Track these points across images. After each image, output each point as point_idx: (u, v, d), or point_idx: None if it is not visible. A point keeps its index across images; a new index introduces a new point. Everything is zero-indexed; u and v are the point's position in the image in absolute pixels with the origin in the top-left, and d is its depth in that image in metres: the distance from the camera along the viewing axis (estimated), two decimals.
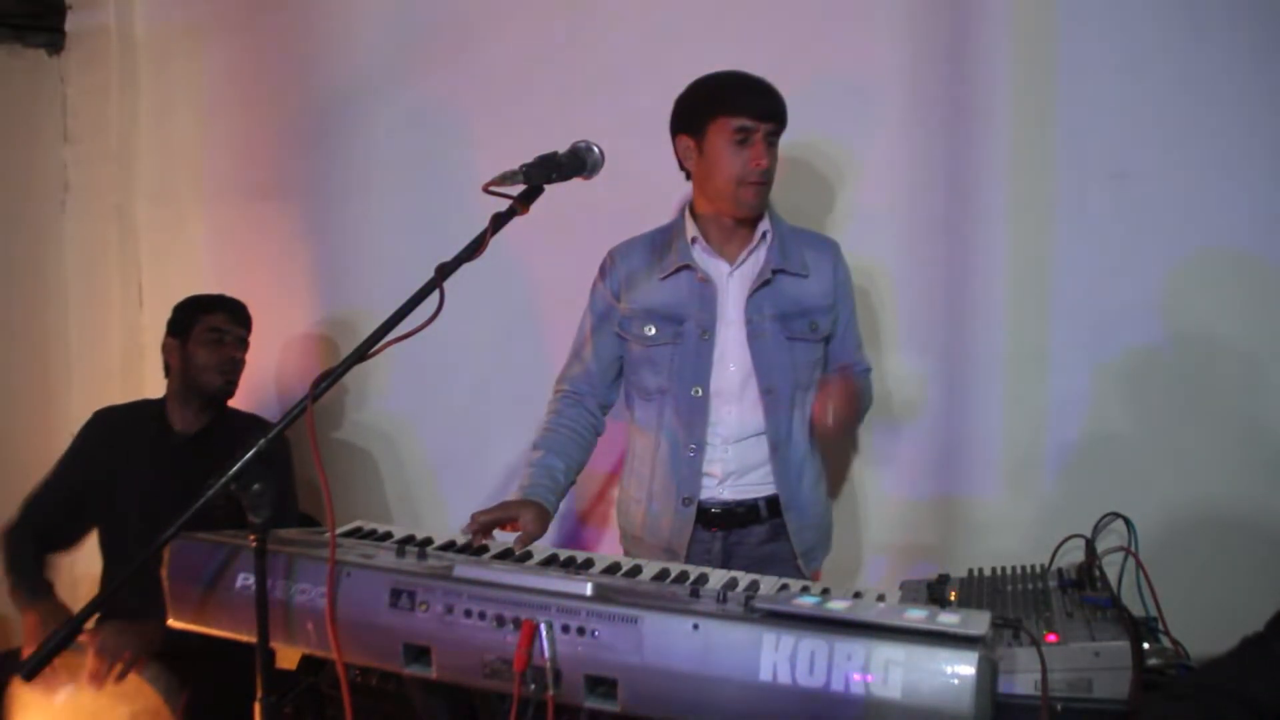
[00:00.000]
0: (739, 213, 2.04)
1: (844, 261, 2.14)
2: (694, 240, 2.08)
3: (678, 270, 2.08)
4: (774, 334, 2.05)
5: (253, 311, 2.64)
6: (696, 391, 2.05)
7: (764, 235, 2.07)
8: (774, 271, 2.05)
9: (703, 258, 2.08)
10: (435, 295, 1.52)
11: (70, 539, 2.48)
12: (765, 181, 2.01)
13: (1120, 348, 2.18)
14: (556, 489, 1.99)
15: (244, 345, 2.61)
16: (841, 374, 2.04)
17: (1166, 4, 2.13)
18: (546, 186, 1.65)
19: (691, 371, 2.06)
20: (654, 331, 2.08)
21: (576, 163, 1.70)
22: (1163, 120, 2.14)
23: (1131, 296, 2.17)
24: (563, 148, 1.70)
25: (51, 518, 2.43)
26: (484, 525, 1.81)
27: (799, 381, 2.07)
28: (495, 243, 1.59)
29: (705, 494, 2.07)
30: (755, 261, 2.08)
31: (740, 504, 2.07)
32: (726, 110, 1.98)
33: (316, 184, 3.09)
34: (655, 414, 2.10)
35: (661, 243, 2.12)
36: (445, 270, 1.54)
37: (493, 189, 1.59)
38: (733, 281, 2.08)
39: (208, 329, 2.54)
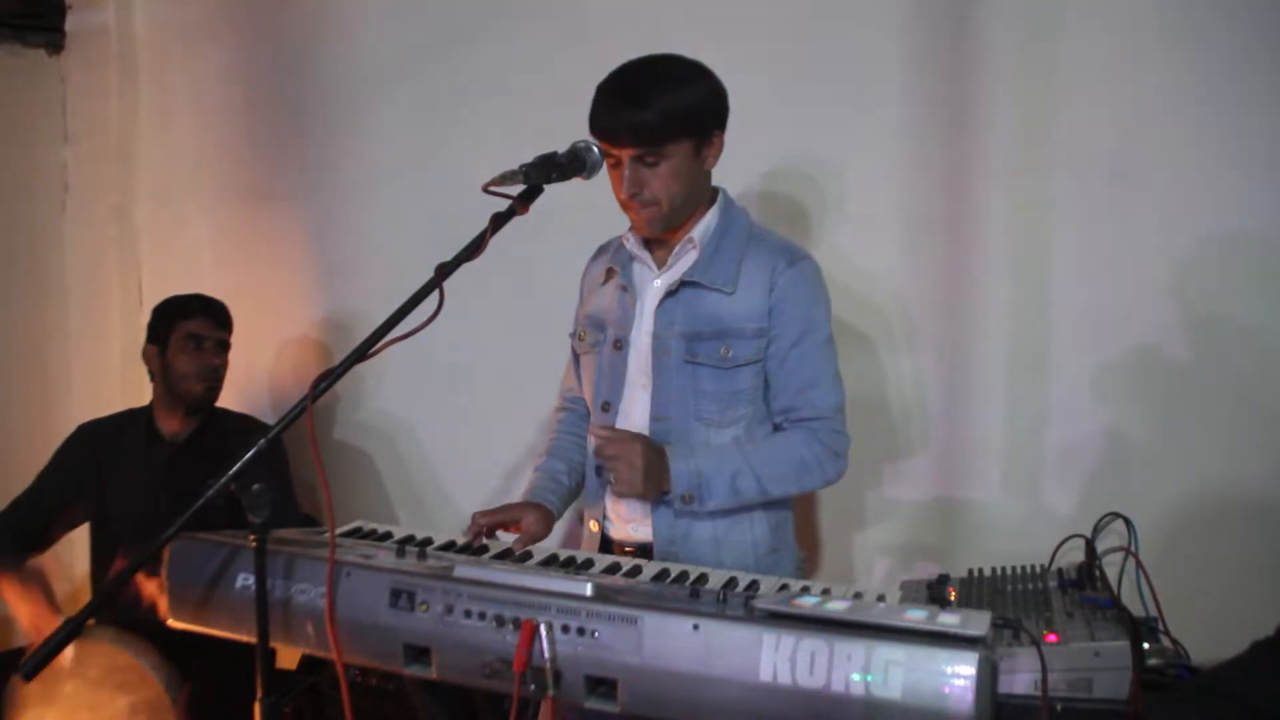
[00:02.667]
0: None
1: (801, 279, 1.80)
2: (628, 240, 1.89)
3: (608, 274, 1.94)
4: (677, 354, 1.80)
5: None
6: (605, 408, 1.88)
7: (690, 240, 1.82)
8: (682, 283, 1.82)
9: (631, 261, 1.90)
10: (435, 295, 1.52)
11: (43, 544, 2.44)
12: (646, 205, 1.75)
13: (1120, 348, 2.18)
14: (559, 489, 1.97)
15: (225, 348, 2.55)
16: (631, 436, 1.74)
17: (1166, 4, 2.13)
18: (546, 186, 1.66)
19: (606, 385, 1.88)
20: (585, 338, 1.95)
21: (576, 163, 1.70)
22: (1163, 120, 2.13)
23: (1131, 297, 2.17)
24: (562, 148, 1.71)
25: (22, 528, 2.40)
26: (486, 527, 1.80)
27: (703, 415, 1.79)
28: (495, 242, 1.59)
29: (616, 532, 1.88)
30: (680, 268, 1.84)
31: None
32: (591, 126, 1.75)
33: (316, 184, 3.09)
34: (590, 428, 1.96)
35: (616, 243, 1.97)
36: (445, 270, 1.54)
37: (492, 189, 1.59)
38: (652, 290, 1.86)
39: (185, 335, 2.48)
